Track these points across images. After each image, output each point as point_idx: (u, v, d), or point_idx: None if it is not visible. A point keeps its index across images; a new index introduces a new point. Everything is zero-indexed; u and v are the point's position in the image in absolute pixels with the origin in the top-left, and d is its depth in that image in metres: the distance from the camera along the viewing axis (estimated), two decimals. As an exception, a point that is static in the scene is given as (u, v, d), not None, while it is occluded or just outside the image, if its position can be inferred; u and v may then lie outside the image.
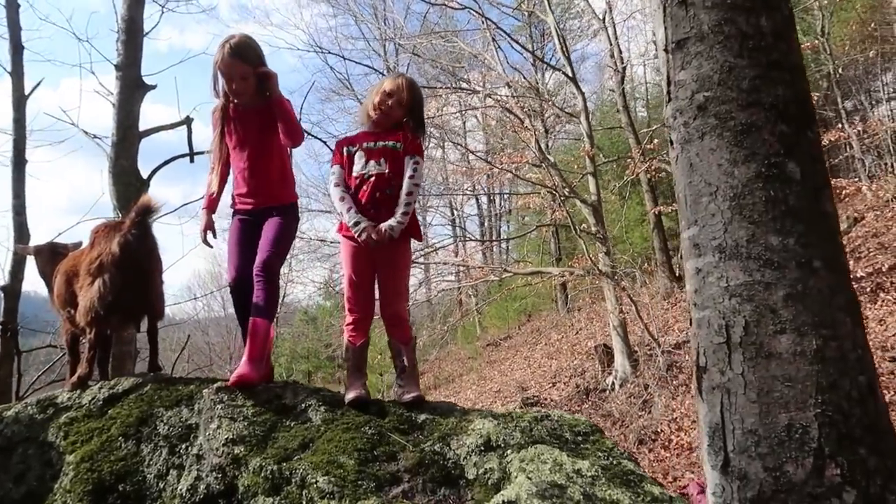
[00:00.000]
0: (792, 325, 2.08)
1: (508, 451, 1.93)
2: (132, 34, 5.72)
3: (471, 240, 25.89)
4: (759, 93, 2.25)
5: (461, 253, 21.60)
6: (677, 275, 16.76)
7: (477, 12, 13.15)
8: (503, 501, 1.66)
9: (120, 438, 2.37)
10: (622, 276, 12.09)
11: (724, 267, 2.22)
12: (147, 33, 5.98)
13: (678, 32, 2.41)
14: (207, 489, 2.06)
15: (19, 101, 4.50)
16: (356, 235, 2.87)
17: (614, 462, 1.91)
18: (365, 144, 3.05)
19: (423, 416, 2.30)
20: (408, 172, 3.08)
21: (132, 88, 5.61)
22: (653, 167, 14.33)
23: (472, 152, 15.03)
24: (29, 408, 2.62)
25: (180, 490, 2.12)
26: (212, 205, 3.36)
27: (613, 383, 11.85)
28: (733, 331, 2.17)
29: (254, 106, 3.17)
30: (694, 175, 2.33)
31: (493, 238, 25.85)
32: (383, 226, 2.91)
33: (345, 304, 2.91)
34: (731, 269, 2.20)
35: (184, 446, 2.27)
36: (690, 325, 2.40)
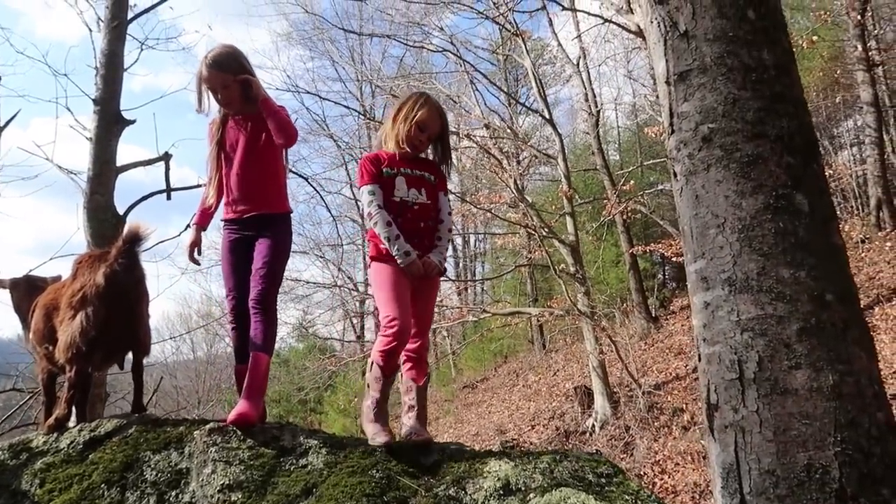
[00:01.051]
0: (807, 360, 2.02)
1: (531, 496, 1.81)
2: (112, 69, 5.63)
3: (447, 280, 25.77)
4: (765, 125, 2.23)
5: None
6: (653, 315, 16.82)
7: (455, 55, 13.33)
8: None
9: (103, 486, 2.16)
10: (601, 317, 12.06)
11: (734, 300, 2.16)
12: (127, 68, 5.90)
13: (680, 64, 2.40)
14: (201, 541, 1.90)
15: (-8, 133, 4.37)
16: (403, 265, 2.75)
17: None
18: (403, 170, 2.95)
19: (432, 459, 2.18)
20: (445, 209, 3.08)
21: (111, 123, 5.49)
22: (628, 209, 14.47)
23: (451, 192, 15.04)
24: (0, 452, 2.42)
25: (170, 544, 1.95)
26: (203, 219, 3.26)
27: (594, 425, 11.70)
28: (746, 366, 2.10)
29: (247, 114, 3.11)
30: (700, 207, 2.29)
31: (470, 279, 25.76)
32: (433, 260, 2.86)
33: (383, 329, 2.67)
34: (741, 302, 2.14)
35: (174, 493, 2.08)
36: (699, 360, 2.32)
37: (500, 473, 1.96)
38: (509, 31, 13.23)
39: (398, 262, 2.78)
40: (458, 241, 31.50)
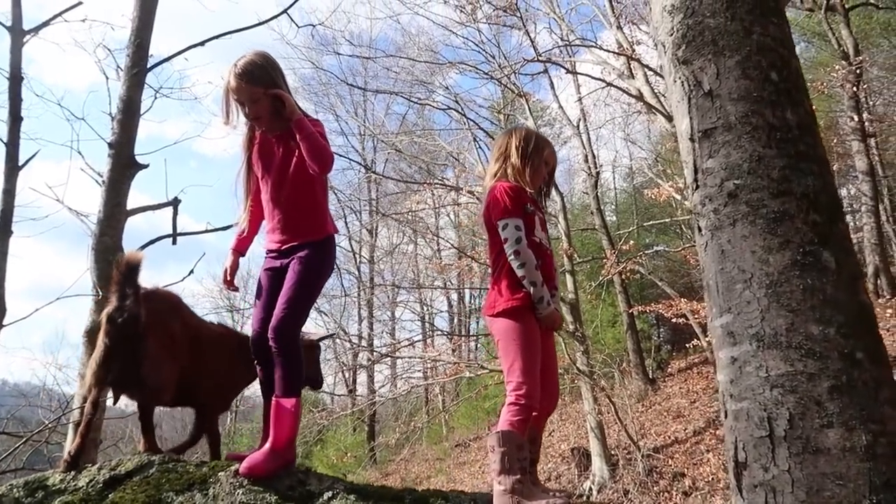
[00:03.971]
0: (839, 418, 1.99)
1: None
2: (129, 114, 5.71)
3: (442, 334, 25.63)
4: (790, 182, 2.26)
5: (431, 349, 21.29)
6: (651, 377, 16.68)
7: (459, 112, 13.60)
8: None
9: None
10: (600, 376, 11.96)
11: (762, 356, 2.14)
12: (142, 115, 6.00)
13: (705, 122, 2.44)
14: (230, 588, 1.81)
15: (11, 171, 4.39)
16: (545, 315, 2.55)
17: None
18: (538, 210, 2.75)
19: None
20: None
21: (125, 167, 5.54)
22: (627, 268, 14.53)
23: (454, 247, 15.12)
24: (14, 490, 2.31)
25: (196, 590, 1.86)
26: (240, 245, 3.05)
27: (591, 488, 11.45)
28: (776, 423, 2.07)
29: (278, 131, 2.87)
30: (726, 262, 2.30)
31: (465, 333, 25.61)
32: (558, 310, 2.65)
33: (516, 398, 2.42)
34: (770, 358, 2.12)
35: None
36: (725, 417, 2.29)
37: None
38: (513, 91, 13.54)
39: (541, 311, 2.56)
40: (454, 296, 31.48)
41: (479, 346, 27.73)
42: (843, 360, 2.06)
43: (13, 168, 4.39)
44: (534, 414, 2.53)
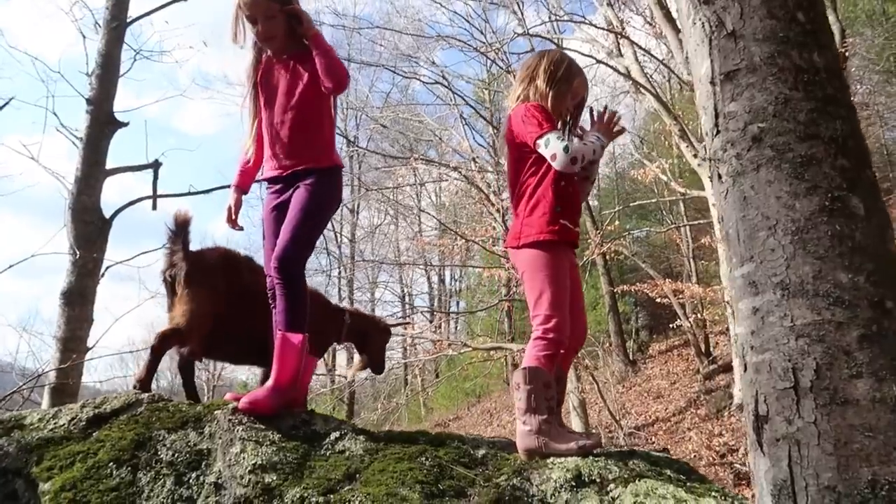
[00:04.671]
0: (869, 368, 1.91)
1: (611, 486, 1.64)
2: (108, 69, 5.49)
3: (429, 311, 25.58)
4: (818, 126, 2.16)
5: (412, 328, 21.18)
6: (631, 359, 16.77)
7: (445, 86, 13.42)
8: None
9: (111, 465, 1.93)
10: (584, 355, 11.95)
11: (787, 305, 2.05)
12: (122, 74, 5.76)
13: (727, 64, 2.33)
14: (230, 526, 1.68)
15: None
16: (608, 142, 2.50)
17: (735, 502, 1.65)
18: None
19: (482, 451, 1.99)
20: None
21: (103, 124, 5.33)
22: (611, 249, 14.52)
23: (442, 223, 14.96)
24: None
25: (192, 529, 1.72)
26: (244, 179, 2.92)
27: (571, 467, 11.48)
28: (802, 374, 1.97)
29: (288, 53, 2.77)
30: (749, 209, 2.19)
31: (448, 311, 25.58)
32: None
33: (543, 332, 2.31)
34: (796, 307, 2.03)
35: (194, 475, 1.85)
36: (744, 370, 2.19)
37: (568, 465, 1.78)
38: (501, 67, 13.38)
39: (603, 144, 2.51)
40: (434, 278, 31.39)
41: (458, 327, 27.72)
42: (872, 308, 1.97)
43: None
44: (561, 351, 2.40)
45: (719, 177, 2.35)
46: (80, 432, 2.11)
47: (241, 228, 2.94)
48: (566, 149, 2.43)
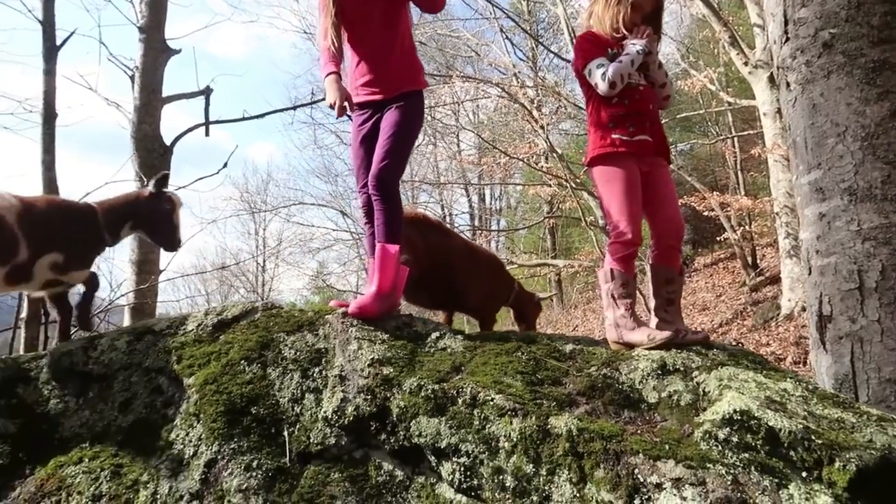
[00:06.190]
0: (934, 269, 1.97)
1: (695, 373, 1.80)
2: (157, -5, 5.51)
3: (470, 229, 25.70)
4: (892, 29, 2.14)
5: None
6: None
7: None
8: (733, 411, 1.53)
9: (242, 362, 2.16)
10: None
11: (854, 210, 2.11)
12: (170, -1, 5.78)
13: (798, -32, 2.30)
14: (357, 410, 1.88)
15: (50, 51, 4.28)
16: (644, 52, 2.52)
17: (811, 386, 1.79)
18: (616, 51, 2.65)
19: (569, 347, 2.16)
20: (665, 79, 2.80)
21: (157, 51, 5.41)
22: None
23: (483, 138, 14.81)
24: (123, 335, 2.40)
25: (324, 413, 1.93)
26: (338, 65, 2.75)
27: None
28: (867, 276, 2.06)
29: None
30: (817, 116, 2.22)
31: (492, 229, 25.67)
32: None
33: (614, 237, 2.46)
34: (863, 211, 2.09)
35: (317, 370, 2.08)
36: (809, 274, 2.28)
37: (653, 356, 1.94)
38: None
39: (639, 49, 2.53)
40: (475, 197, 31.31)
41: (498, 246, 27.87)
42: (941, 211, 2.01)
43: (51, 48, 4.28)
44: (654, 252, 2.59)
45: (787, 85, 2.36)
46: (209, 336, 2.35)
47: (350, 116, 2.85)
48: (603, 76, 2.54)
